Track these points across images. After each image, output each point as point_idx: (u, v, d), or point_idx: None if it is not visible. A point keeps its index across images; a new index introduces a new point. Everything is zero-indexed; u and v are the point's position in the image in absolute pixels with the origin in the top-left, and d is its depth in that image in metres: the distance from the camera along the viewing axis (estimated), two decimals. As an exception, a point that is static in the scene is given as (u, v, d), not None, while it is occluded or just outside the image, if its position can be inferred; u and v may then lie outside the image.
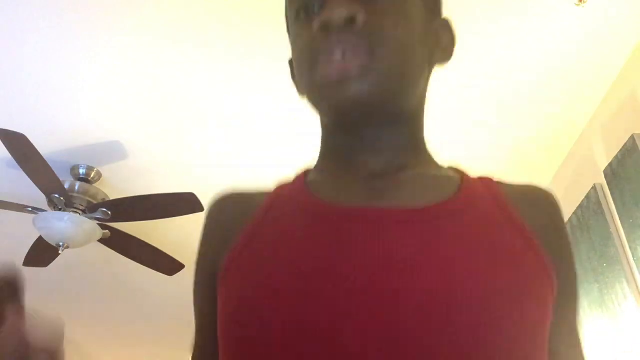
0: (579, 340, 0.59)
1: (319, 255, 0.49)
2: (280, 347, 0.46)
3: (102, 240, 2.86)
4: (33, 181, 2.51)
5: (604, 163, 2.22)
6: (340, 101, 0.53)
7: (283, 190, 0.60)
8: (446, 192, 0.54)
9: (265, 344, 0.46)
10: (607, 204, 2.18)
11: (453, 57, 0.63)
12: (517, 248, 0.51)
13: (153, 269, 3.10)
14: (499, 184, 0.59)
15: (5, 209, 2.70)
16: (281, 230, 0.53)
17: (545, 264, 0.52)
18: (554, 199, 0.60)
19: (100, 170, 2.76)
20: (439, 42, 0.61)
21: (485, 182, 0.58)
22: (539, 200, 0.58)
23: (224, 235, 0.56)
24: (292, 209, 0.56)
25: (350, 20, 0.52)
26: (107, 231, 2.84)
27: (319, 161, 0.62)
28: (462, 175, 0.59)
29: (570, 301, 0.58)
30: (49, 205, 2.69)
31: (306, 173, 0.62)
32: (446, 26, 0.64)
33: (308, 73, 0.55)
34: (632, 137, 2.00)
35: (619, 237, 2.08)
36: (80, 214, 2.67)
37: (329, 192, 0.56)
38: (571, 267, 0.58)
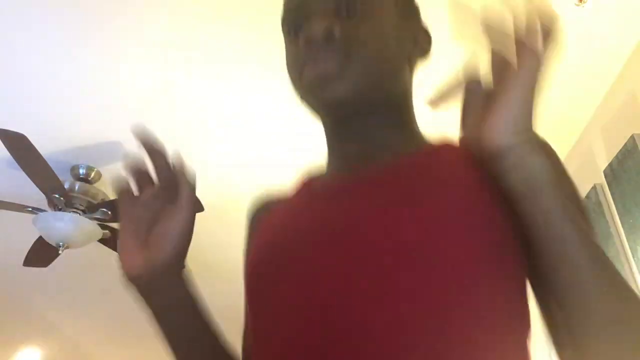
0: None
1: (291, 219, 0.63)
2: (257, 283, 0.62)
3: (102, 240, 2.86)
4: (33, 181, 2.51)
5: (604, 163, 2.22)
6: (325, 99, 0.62)
7: (293, 189, 0.71)
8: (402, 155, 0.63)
9: (250, 283, 0.63)
10: (607, 204, 2.18)
11: (432, 55, 0.72)
12: (456, 197, 0.55)
13: (153, 269, 3.09)
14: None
15: (5, 209, 2.70)
16: (279, 210, 0.67)
17: (497, 212, 0.54)
18: None
19: (100, 170, 2.76)
20: (417, 42, 0.70)
21: (459, 145, 0.63)
22: None
23: (252, 230, 0.73)
24: (290, 196, 0.69)
25: (329, 34, 0.60)
26: (107, 231, 2.84)
27: (326, 158, 0.71)
28: (432, 142, 0.66)
29: None
30: (49, 205, 2.69)
31: (312, 172, 0.72)
32: (422, 28, 0.72)
33: (297, 80, 0.64)
34: (632, 137, 2.00)
35: (619, 237, 2.08)
36: (80, 214, 2.68)
37: (321, 178, 0.67)
38: None
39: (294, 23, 0.66)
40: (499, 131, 0.51)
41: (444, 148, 0.63)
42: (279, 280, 0.57)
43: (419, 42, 0.70)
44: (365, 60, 0.61)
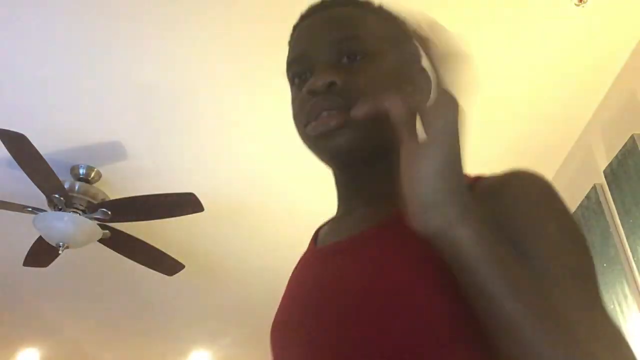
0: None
1: (291, 285, 0.71)
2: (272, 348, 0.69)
3: (102, 240, 2.86)
4: (33, 181, 2.51)
5: (604, 163, 2.22)
6: (329, 151, 0.66)
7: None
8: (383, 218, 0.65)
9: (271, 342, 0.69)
10: (607, 204, 2.18)
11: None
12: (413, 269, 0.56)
13: (153, 269, 3.10)
14: (475, 181, 0.63)
15: (5, 209, 2.70)
16: (295, 271, 0.74)
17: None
18: (521, 177, 0.59)
19: (100, 170, 2.76)
20: (416, 85, 0.71)
21: None
22: (502, 187, 0.59)
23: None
24: (303, 254, 0.75)
25: (331, 85, 0.64)
26: (107, 231, 2.84)
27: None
28: None
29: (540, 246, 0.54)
30: (49, 205, 2.69)
31: (325, 223, 0.77)
32: (423, 72, 0.73)
33: (302, 131, 0.68)
34: (632, 137, 2.00)
35: (619, 237, 2.08)
36: (80, 214, 2.68)
37: (323, 236, 0.73)
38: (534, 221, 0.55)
39: (298, 72, 0.70)
40: (411, 217, 0.49)
41: None
42: (283, 346, 0.66)
43: (418, 84, 0.72)
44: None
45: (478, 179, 0.63)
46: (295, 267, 0.74)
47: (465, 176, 0.61)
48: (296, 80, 0.71)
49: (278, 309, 0.70)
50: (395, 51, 0.70)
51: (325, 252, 0.68)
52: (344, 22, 0.70)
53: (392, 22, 0.73)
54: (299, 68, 0.70)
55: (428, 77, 0.72)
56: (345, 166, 0.69)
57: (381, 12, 0.73)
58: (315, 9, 0.73)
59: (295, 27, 0.75)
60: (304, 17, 0.74)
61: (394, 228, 0.60)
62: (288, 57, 0.73)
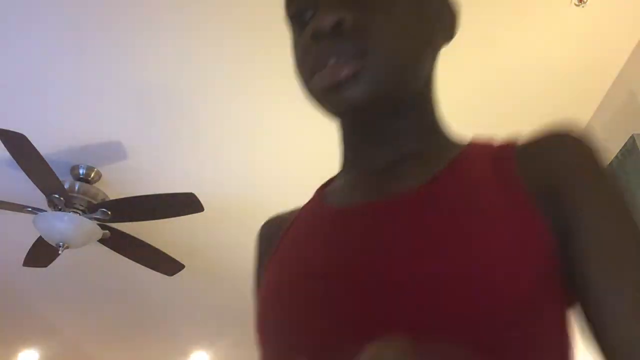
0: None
1: (311, 250, 0.55)
2: (273, 325, 0.53)
3: (102, 240, 2.86)
4: (33, 181, 2.51)
5: (604, 163, 2.22)
6: (338, 106, 0.55)
7: (306, 204, 0.65)
8: (435, 172, 0.55)
9: (267, 324, 0.54)
10: (607, 204, 2.18)
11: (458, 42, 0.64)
12: (490, 219, 0.48)
13: (153, 269, 3.10)
14: (513, 144, 0.55)
15: (5, 209, 2.70)
16: (295, 236, 0.60)
17: (532, 226, 0.47)
18: (568, 139, 0.52)
19: (100, 170, 2.76)
20: (440, 21, 0.61)
21: (495, 148, 0.56)
22: (549, 149, 0.52)
23: (264, 254, 0.66)
24: (306, 217, 0.62)
25: (339, 24, 0.53)
26: (107, 231, 2.84)
27: (340, 165, 0.65)
28: (466, 148, 0.58)
29: (606, 238, 0.48)
30: (49, 205, 2.69)
31: (326, 183, 0.66)
32: (445, 4, 0.63)
33: (306, 83, 0.57)
34: (632, 137, 2.00)
35: (619, 237, 2.08)
36: (80, 214, 2.68)
37: (337, 196, 0.60)
38: (596, 204, 0.50)
39: (300, 10, 0.59)
40: None
41: (474, 158, 0.55)
42: (289, 330, 0.51)
43: (443, 21, 0.61)
44: (383, 54, 0.53)
45: (513, 145, 0.54)
46: (294, 229, 0.61)
47: (491, 140, 0.57)
48: (297, 22, 0.59)
49: (275, 280, 0.56)
50: None
51: (364, 211, 0.54)
52: None
53: None
54: (301, 5, 0.58)
55: (454, 13, 0.64)
56: (362, 122, 0.58)
57: None
58: None
59: None
60: None
61: (456, 184, 0.51)
62: None
